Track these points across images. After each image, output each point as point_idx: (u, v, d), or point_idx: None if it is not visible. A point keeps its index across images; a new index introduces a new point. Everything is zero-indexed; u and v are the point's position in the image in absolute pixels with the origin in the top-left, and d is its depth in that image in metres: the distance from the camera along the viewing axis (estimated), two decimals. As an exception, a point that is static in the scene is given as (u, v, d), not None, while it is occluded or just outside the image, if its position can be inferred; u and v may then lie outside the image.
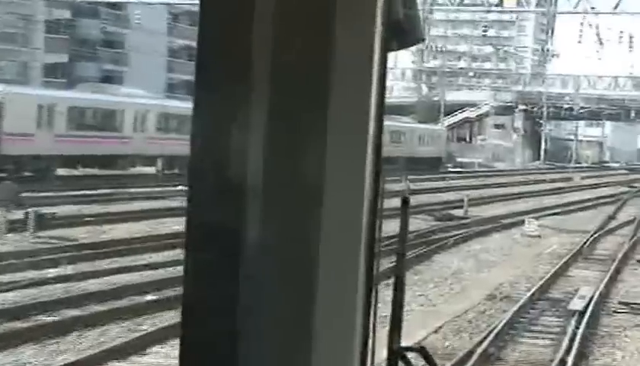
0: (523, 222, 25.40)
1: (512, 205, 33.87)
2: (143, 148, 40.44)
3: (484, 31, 76.56)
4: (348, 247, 1.21)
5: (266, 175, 1.18)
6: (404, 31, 1.35)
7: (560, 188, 43.76)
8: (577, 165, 70.85)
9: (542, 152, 74.65)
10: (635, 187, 48.53)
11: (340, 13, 1.19)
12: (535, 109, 73.59)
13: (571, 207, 33.57)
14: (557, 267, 17.59)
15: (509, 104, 75.10)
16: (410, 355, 1.33)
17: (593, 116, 72.86)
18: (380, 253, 1.27)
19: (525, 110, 74.46)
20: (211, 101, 1.21)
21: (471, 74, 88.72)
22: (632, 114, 70.29)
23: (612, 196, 40.17)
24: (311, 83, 1.19)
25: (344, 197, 1.21)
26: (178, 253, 15.51)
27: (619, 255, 19.58)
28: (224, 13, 1.20)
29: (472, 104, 75.31)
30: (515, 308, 13.01)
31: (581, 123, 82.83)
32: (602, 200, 37.45)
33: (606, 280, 15.88)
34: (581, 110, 69.52)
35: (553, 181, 51.03)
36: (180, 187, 33.29)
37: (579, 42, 61.99)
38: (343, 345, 1.22)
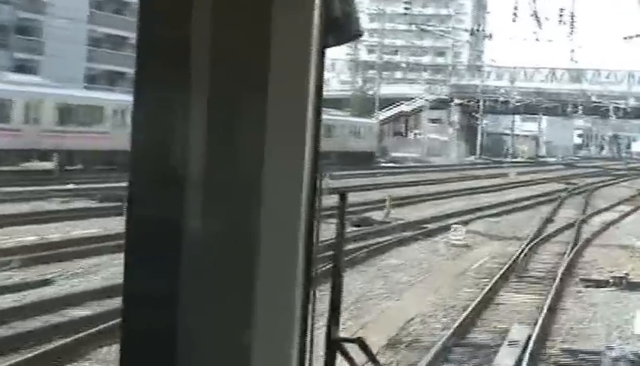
0: (450, 227, 22.13)
1: (442, 205, 30.65)
2: (36, 142, 36.47)
3: (406, 8, 73.58)
4: (287, 240, 1.24)
5: (205, 169, 1.20)
6: (341, 27, 1.36)
7: (494, 186, 40.76)
8: (514, 160, 68.33)
9: (478, 147, 72.02)
10: (573, 183, 46.13)
11: (278, 8, 1.21)
12: (471, 103, 71.16)
13: (505, 207, 30.47)
14: (485, 291, 14.20)
15: (445, 98, 72.81)
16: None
17: (530, 110, 70.21)
18: (318, 246, 1.27)
19: (461, 104, 72.17)
20: (151, 96, 1.21)
21: (405, 66, 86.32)
22: (569, 108, 67.94)
23: (549, 194, 37.35)
24: (249, 79, 1.21)
25: (283, 189, 1.22)
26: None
27: (560, 272, 16.33)
28: (163, 6, 1.21)
29: (408, 98, 73.07)
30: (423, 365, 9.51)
31: (518, 117, 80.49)
32: (538, 199, 34.52)
33: (544, 312, 12.52)
34: (517, 104, 66.82)
35: (488, 177, 48.36)
36: (71, 185, 29.83)
37: (514, 20, 58.98)
38: (282, 337, 1.24)
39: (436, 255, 19.06)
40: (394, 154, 66.82)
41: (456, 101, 71.85)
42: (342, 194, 1.41)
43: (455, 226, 21.56)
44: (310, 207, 1.26)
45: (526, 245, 19.93)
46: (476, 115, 69.10)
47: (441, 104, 73.46)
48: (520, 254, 18.44)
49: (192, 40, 1.19)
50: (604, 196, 39.04)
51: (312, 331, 1.27)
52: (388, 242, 19.82)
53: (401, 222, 24.17)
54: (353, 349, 1.36)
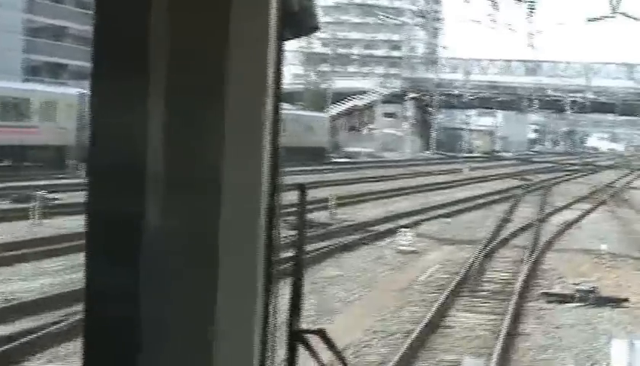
0: (400, 229, 20.14)
1: (393, 204, 28.68)
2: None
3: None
4: (248, 236, 1.24)
5: (165, 165, 1.20)
6: (299, 20, 1.37)
7: (448, 183, 38.89)
8: (469, 155, 66.64)
9: (432, 142, 70.21)
10: (528, 179, 44.60)
11: (236, 2, 1.22)
12: (425, 97, 69.46)
13: (459, 206, 28.58)
14: (432, 310, 12.16)
15: (399, 92, 71.09)
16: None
17: (485, 104, 68.56)
18: (279, 241, 1.29)
19: (415, 98, 70.49)
20: (108, 92, 1.21)
21: (359, 60, 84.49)
22: (524, 103, 66.38)
23: (504, 191, 35.65)
24: (207, 73, 1.21)
25: (243, 184, 1.23)
26: None
27: (518, 284, 14.37)
28: (119, 1, 1.21)
29: (362, 92, 71.30)
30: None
31: (473, 112, 78.94)
32: (494, 197, 32.73)
33: (501, 339, 10.49)
34: (472, 97, 65.05)
35: (442, 173, 46.58)
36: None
37: (466, 1, 56.83)
38: (244, 329, 1.25)
39: (381, 263, 16.97)
40: (347, 149, 65.20)
41: (410, 94, 70.13)
42: (302, 188, 1.41)
43: (402, 229, 19.52)
44: (270, 202, 1.27)
45: (481, 251, 17.98)
46: (431, 109, 67.15)
47: (395, 99, 71.87)
48: (473, 262, 16.46)
49: (149, 36, 1.18)
50: (562, 193, 37.44)
51: (273, 323, 1.28)
52: (329, 248, 17.72)
53: (347, 224, 22.12)
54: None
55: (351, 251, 18.00)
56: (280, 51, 1.27)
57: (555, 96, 64.29)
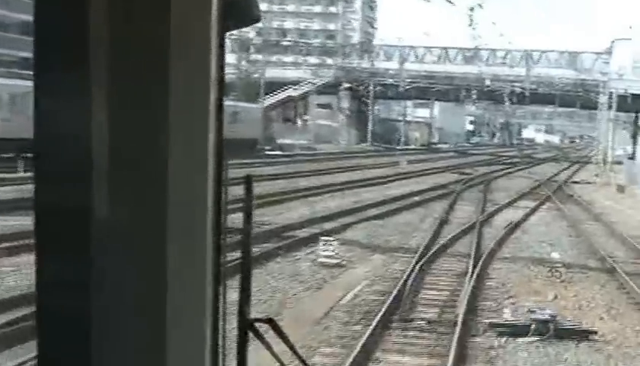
0: (325, 233, 17.40)
1: (323, 202, 25.87)
2: None
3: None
4: (195, 225, 1.25)
5: (110, 160, 1.21)
6: (241, 11, 1.38)
7: (383, 178, 36.18)
8: (405, 148, 64.02)
9: (369, 134, 67.48)
10: (467, 173, 42.35)
11: None
12: (360, 87, 66.74)
13: (394, 205, 25.88)
14: (354, 353, 9.32)
15: (333, 81, 68.44)
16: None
17: (422, 94, 65.80)
18: (227, 230, 1.29)
19: (350, 89, 67.78)
20: (51, 87, 1.21)
21: (294, 49, 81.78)
22: (462, 93, 63.97)
23: (442, 187, 33.19)
24: (149, 64, 1.21)
25: (189, 177, 1.23)
26: None
27: (461, 310, 11.65)
28: None
29: (297, 82, 68.52)
30: None
31: (410, 103, 76.42)
32: (431, 194, 30.18)
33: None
34: (408, 87, 62.31)
35: (377, 166, 43.91)
36: None
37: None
38: (195, 318, 1.26)
39: (297, 281, 14.07)
40: (281, 141, 62.39)
41: (345, 85, 67.42)
42: (248, 180, 1.42)
43: (325, 238, 16.67)
44: (217, 191, 1.27)
45: (416, 262, 15.27)
46: (366, 100, 64.19)
47: (331, 89, 69.20)
48: (407, 278, 13.71)
49: (90, 30, 1.18)
50: (503, 188, 35.17)
51: (224, 311, 1.28)
52: (236, 261, 14.75)
53: (264, 228, 19.18)
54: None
55: (263, 265, 15.03)
56: (222, 42, 1.26)
57: (493, 87, 62.04)
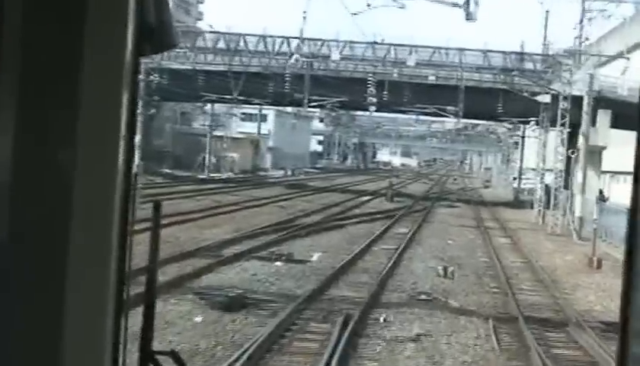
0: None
1: None
2: None
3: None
4: (99, 245, 1.22)
5: (15, 173, 1.19)
6: (157, 36, 1.38)
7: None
8: (211, 178, 42.36)
9: (159, 154, 45.26)
10: (293, 226, 22.77)
11: (92, 16, 1.22)
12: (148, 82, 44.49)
13: None
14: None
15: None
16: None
17: (249, 96, 44.68)
18: (132, 251, 1.27)
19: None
20: None
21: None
22: (305, 97, 43.70)
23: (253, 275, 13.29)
24: (61, 84, 1.22)
25: (96, 194, 1.22)
26: None
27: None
28: None
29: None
30: None
31: (234, 112, 55.85)
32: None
33: None
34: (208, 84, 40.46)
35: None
36: None
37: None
38: (95, 348, 1.22)
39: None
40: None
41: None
42: (157, 205, 1.38)
43: None
44: (124, 210, 1.25)
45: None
46: (154, 103, 41.72)
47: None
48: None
49: (3, 44, 1.16)
50: (364, 269, 15.50)
51: (124, 342, 1.25)
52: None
53: None
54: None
55: None
56: (136, 64, 1.26)
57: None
